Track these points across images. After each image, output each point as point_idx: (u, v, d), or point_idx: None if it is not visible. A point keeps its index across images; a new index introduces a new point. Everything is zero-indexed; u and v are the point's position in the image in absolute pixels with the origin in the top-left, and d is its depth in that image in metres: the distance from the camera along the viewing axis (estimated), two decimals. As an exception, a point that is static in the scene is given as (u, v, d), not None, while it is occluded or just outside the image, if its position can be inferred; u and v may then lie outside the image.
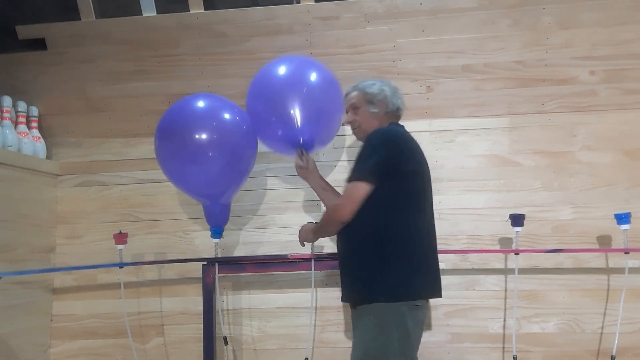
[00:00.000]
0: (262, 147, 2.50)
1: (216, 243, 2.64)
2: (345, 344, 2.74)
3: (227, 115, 2.42)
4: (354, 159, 1.99)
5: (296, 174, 2.26)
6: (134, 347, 2.76)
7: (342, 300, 2.03)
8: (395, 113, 2.13)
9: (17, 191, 2.70)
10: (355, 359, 1.89)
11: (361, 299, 1.90)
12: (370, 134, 2.01)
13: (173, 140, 2.36)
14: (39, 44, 2.89)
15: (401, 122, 2.15)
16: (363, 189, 1.89)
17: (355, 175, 1.93)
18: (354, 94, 2.16)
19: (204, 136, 2.33)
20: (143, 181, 2.98)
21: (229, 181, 2.49)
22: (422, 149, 2.05)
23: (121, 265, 2.71)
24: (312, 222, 2.32)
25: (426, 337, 2.30)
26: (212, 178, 2.41)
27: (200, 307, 2.61)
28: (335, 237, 2.08)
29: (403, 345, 1.83)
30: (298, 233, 2.32)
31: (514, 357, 2.52)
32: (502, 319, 2.68)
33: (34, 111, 2.92)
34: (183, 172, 2.42)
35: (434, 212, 2.04)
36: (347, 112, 2.22)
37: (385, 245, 1.88)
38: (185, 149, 2.33)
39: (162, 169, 2.48)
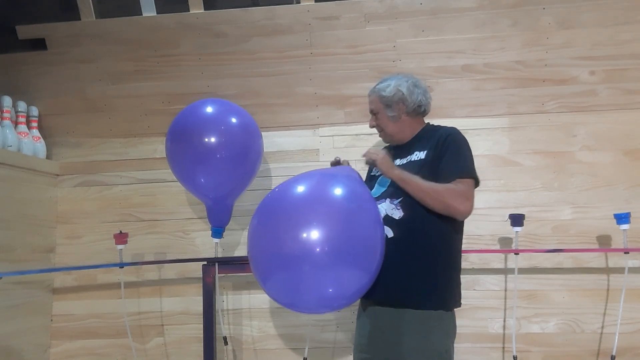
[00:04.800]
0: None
1: (217, 243, 2.64)
2: (344, 344, 2.74)
3: (234, 119, 2.52)
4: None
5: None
6: (134, 347, 2.76)
7: (383, 299, 1.85)
8: (418, 110, 2.00)
9: (17, 191, 2.70)
10: None
11: (438, 305, 1.87)
12: (455, 131, 1.94)
13: (182, 143, 2.45)
14: (39, 44, 2.89)
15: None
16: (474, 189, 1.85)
17: (468, 172, 1.84)
18: (372, 97, 2.04)
19: (212, 139, 2.42)
20: (143, 181, 2.98)
21: (235, 182, 2.54)
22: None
23: (121, 265, 2.71)
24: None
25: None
26: (219, 179, 2.47)
27: (200, 307, 2.61)
28: None
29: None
30: (372, 153, 1.94)
31: (514, 357, 2.51)
32: (502, 319, 2.68)
33: (34, 111, 2.92)
34: (191, 173, 2.49)
35: None
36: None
37: (457, 255, 2.00)
38: (194, 151, 2.42)
39: (172, 169, 2.56)
